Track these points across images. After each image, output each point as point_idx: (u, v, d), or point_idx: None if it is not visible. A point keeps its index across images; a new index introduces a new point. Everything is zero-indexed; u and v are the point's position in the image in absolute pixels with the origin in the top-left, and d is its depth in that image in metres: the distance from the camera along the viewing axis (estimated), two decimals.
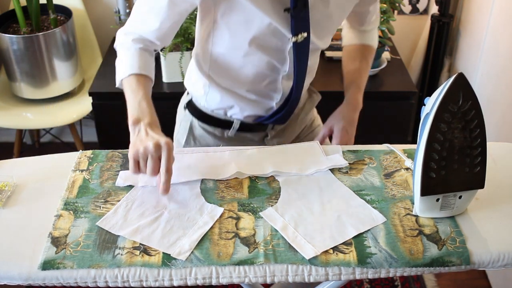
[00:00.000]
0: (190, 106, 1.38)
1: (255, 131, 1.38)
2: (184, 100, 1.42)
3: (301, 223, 1.01)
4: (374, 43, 1.46)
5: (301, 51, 1.18)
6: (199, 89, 1.33)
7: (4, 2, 2.44)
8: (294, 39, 1.14)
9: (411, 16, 2.51)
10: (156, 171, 1.03)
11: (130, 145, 1.06)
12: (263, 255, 0.95)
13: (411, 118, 2.23)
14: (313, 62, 1.31)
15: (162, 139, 1.04)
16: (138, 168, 1.04)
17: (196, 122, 1.38)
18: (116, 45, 1.25)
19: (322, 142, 1.36)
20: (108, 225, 1.01)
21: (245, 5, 1.09)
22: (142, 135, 1.06)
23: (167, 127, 2.36)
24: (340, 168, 1.16)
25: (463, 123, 0.95)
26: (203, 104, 1.34)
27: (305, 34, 1.15)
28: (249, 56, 1.19)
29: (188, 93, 1.40)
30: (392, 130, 2.24)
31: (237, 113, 1.33)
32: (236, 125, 1.34)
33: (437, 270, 0.96)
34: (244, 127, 1.35)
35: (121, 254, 0.95)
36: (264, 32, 1.14)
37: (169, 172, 1.03)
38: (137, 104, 1.11)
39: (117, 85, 1.20)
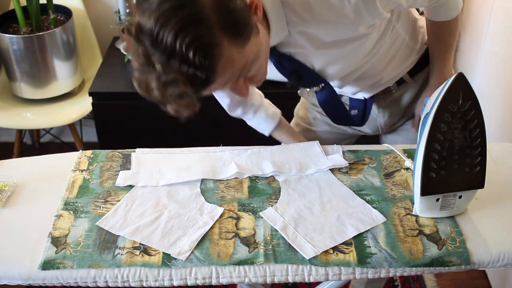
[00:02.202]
0: None
1: None
2: None
3: (301, 223, 1.01)
4: (444, 17, 1.22)
5: (324, 93, 1.23)
6: None
7: (4, 2, 2.44)
8: (313, 89, 1.23)
9: None
10: None
11: None
12: (263, 255, 0.95)
13: None
14: (365, 62, 1.19)
15: None
16: None
17: None
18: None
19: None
20: (108, 225, 1.01)
21: None
22: None
23: (166, 127, 2.36)
24: (340, 168, 1.16)
25: (463, 123, 0.95)
26: None
27: (321, 85, 1.20)
28: None
29: None
30: None
31: None
32: None
33: (437, 270, 0.96)
34: None
35: (121, 254, 0.95)
36: None
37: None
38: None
39: None
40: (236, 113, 1.34)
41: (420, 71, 1.30)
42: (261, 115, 1.34)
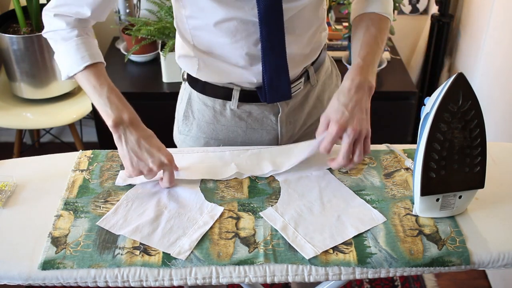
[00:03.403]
0: (189, 76, 1.25)
1: (261, 102, 1.22)
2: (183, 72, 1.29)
3: (301, 223, 1.01)
4: (382, 10, 1.17)
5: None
6: (191, 65, 1.21)
7: (4, 2, 2.44)
8: None
9: (411, 16, 2.51)
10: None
11: (122, 155, 1.07)
12: (263, 255, 0.95)
13: (411, 118, 2.23)
14: (302, 16, 1.12)
15: (163, 157, 1.06)
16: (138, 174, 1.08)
17: (195, 94, 1.25)
18: (47, 32, 1.10)
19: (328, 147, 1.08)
20: (108, 224, 1.01)
21: None
22: (134, 145, 1.06)
23: (167, 127, 2.36)
24: (340, 168, 1.16)
25: (463, 123, 0.96)
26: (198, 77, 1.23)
27: None
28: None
29: None
30: (392, 130, 2.24)
31: (235, 81, 1.20)
32: (236, 93, 1.20)
33: (437, 270, 0.96)
34: (248, 97, 1.20)
35: (121, 254, 0.95)
36: None
37: (171, 184, 1.10)
38: (107, 101, 1.07)
39: (63, 78, 1.10)
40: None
41: (319, 68, 1.28)
42: (84, 41, 1.08)
